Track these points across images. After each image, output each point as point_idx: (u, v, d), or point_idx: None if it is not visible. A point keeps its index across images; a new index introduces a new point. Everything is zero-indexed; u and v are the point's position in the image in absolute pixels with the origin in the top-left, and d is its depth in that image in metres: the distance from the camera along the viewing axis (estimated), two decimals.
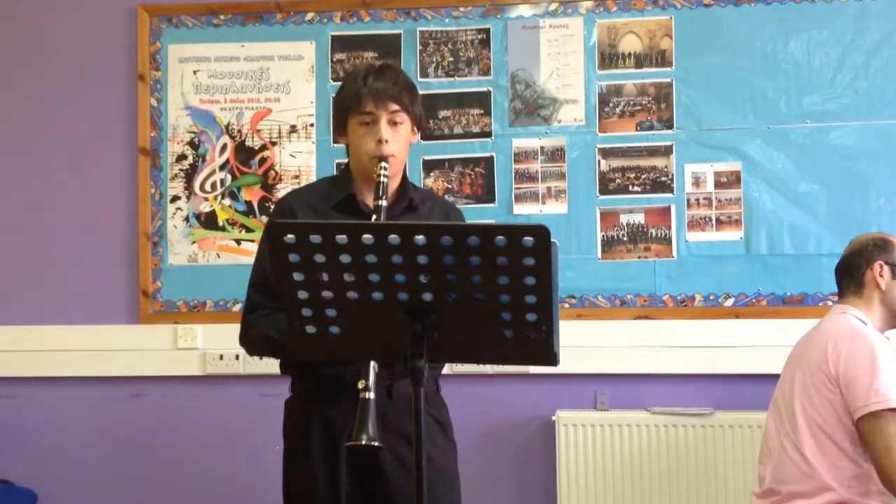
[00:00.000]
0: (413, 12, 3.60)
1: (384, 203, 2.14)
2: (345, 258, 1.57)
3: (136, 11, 3.68)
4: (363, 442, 1.96)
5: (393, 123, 2.23)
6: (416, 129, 2.32)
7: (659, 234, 3.48)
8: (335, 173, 3.45)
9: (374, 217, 2.13)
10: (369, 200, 2.26)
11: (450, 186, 3.53)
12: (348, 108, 2.26)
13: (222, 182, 3.64)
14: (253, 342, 2.26)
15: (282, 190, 3.58)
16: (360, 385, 2.01)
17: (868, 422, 2.40)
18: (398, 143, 2.24)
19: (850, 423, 2.44)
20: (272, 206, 3.58)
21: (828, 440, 2.46)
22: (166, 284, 3.63)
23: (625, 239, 3.49)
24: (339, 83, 3.54)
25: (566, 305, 3.46)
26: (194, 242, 3.63)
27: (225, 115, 3.66)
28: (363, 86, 2.23)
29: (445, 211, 2.40)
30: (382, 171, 2.17)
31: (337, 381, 2.16)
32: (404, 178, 2.34)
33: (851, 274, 2.65)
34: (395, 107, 2.23)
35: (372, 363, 2.03)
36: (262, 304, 2.23)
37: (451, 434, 2.34)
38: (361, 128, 2.23)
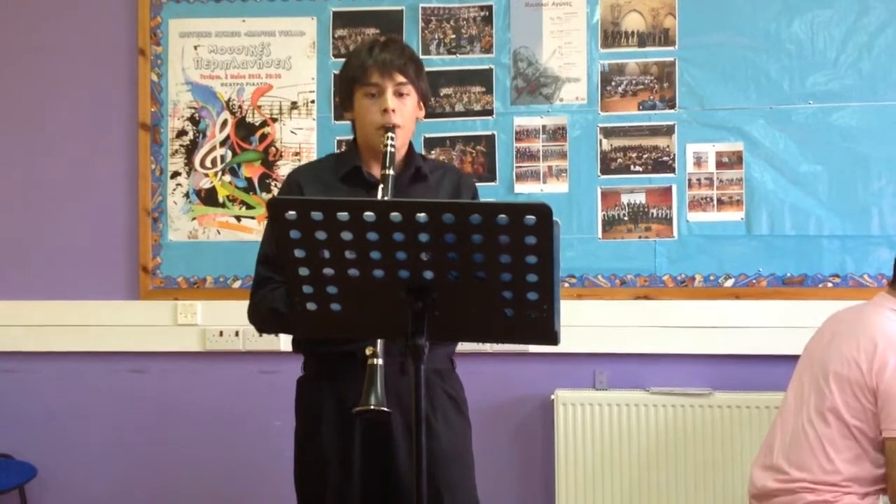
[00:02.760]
0: None
1: (391, 172, 2.13)
2: (346, 235, 1.56)
3: None
4: (371, 405, 1.93)
5: (399, 95, 2.22)
6: (422, 104, 2.31)
7: (660, 214, 3.47)
8: (337, 150, 3.46)
9: (382, 186, 2.12)
10: (375, 172, 2.26)
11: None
12: (354, 79, 2.25)
13: (223, 158, 3.63)
14: (261, 317, 2.24)
15: (282, 167, 3.57)
16: (368, 352, 1.98)
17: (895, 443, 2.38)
18: (404, 115, 2.23)
19: (878, 433, 2.41)
20: (273, 182, 3.58)
21: (853, 440, 2.43)
22: (166, 260, 3.63)
23: (625, 219, 3.48)
24: (341, 59, 3.55)
25: (566, 285, 3.46)
26: (194, 219, 3.62)
27: (226, 90, 3.64)
28: (368, 57, 2.23)
29: (457, 180, 2.38)
30: (389, 142, 2.16)
31: (350, 359, 2.14)
32: (411, 149, 2.33)
33: None
34: (400, 78, 2.22)
35: None
36: (270, 278, 2.21)
37: (466, 411, 2.33)
38: (367, 99, 2.23)
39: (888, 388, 2.39)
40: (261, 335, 2.62)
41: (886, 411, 2.38)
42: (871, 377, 2.41)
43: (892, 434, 2.38)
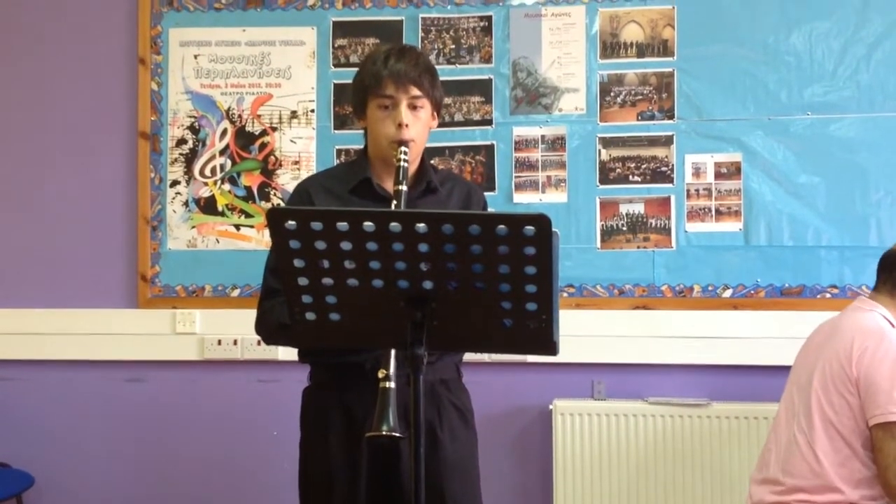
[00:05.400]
0: None
1: (404, 188, 2.11)
2: (345, 245, 1.56)
3: None
4: (384, 432, 1.91)
5: (413, 107, 2.19)
6: (435, 114, 2.29)
7: (658, 225, 3.48)
8: (336, 160, 3.46)
9: (395, 202, 2.10)
10: (387, 184, 2.24)
11: None
12: (367, 89, 2.21)
13: (222, 167, 3.63)
14: (268, 330, 2.23)
15: (282, 176, 3.58)
16: (381, 374, 1.96)
17: (882, 430, 2.35)
18: (418, 128, 2.20)
19: (866, 427, 2.40)
20: (273, 192, 3.58)
21: (841, 440, 2.42)
22: (165, 269, 3.63)
23: (624, 229, 3.49)
24: (341, 69, 3.57)
25: (565, 295, 3.46)
26: (193, 227, 3.63)
27: (225, 99, 3.65)
28: (383, 67, 2.19)
29: (467, 192, 2.37)
30: (402, 156, 2.14)
31: (356, 370, 2.13)
32: (423, 161, 2.31)
33: (891, 271, 2.56)
34: (415, 91, 2.19)
35: (393, 352, 1.99)
36: (278, 289, 2.16)
37: (472, 421, 2.30)
38: (381, 111, 2.20)
39: (868, 372, 2.38)
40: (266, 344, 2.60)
41: (869, 399, 2.37)
42: (852, 368, 2.40)
43: (877, 420, 2.36)
